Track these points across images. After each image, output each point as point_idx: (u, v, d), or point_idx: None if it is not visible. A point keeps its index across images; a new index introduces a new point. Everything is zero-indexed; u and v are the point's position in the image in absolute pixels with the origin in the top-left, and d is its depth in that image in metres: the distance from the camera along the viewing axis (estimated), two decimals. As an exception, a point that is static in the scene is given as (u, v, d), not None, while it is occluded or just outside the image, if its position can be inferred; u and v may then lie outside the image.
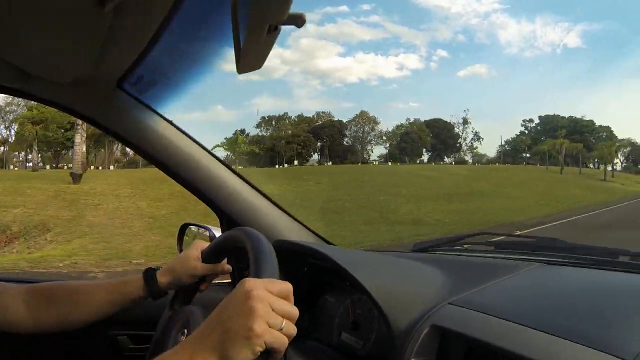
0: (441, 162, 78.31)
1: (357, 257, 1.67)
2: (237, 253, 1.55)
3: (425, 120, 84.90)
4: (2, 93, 1.90)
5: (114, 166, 59.30)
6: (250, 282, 0.98)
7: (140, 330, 2.12)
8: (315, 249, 1.68)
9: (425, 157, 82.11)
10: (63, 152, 61.73)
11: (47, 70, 1.72)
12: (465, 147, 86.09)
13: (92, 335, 2.09)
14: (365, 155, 78.37)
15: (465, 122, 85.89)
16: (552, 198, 34.57)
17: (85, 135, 31.45)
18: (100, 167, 55.80)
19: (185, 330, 1.34)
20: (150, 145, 1.95)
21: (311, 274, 1.70)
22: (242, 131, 72.76)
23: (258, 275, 1.08)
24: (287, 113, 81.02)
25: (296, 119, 79.72)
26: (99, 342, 2.15)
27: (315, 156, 76.99)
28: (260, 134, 78.55)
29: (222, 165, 2.04)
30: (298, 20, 0.75)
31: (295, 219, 2.09)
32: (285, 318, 0.96)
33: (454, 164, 77.42)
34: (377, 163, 73.75)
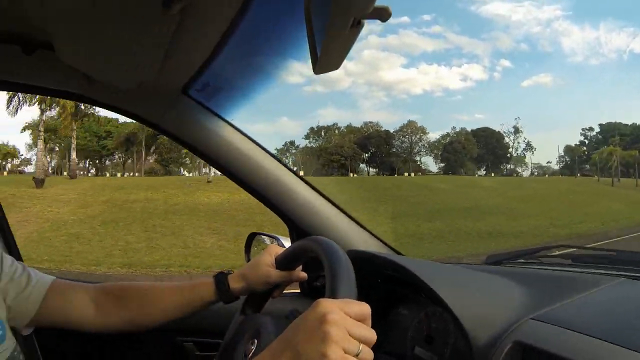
0: (493, 174, 76.31)
1: (433, 268, 1.63)
2: (311, 263, 1.54)
3: (472, 130, 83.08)
4: (66, 99, 1.95)
5: (139, 173, 61.21)
6: (326, 305, 0.93)
7: (206, 338, 2.13)
8: (390, 259, 1.64)
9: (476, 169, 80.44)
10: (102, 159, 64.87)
11: (112, 76, 1.74)
12: (516, 157, 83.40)
13: (160, 340, 2.14)
14: (420, 166, 77.67)
15: (516, 130, 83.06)
16: (571, 216, 29.72)
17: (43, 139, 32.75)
18: (128, 174, 58.13)
19: (255, 340, 1.31)
20: (217, 152, 1.94)
21: (384, 285, 1.67)
22: (292, 142, 73.30)
23: (334, 294, 1.04)
24: (336, 124, 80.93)
25: (345, 130, 79.59)
26: (165, 348, 2.17)
27: (363, 167, 77.06)
28: (309, 145, 79.09)
29: (292, 174, 2.02)
30: (383, 13, 0.71)
31: (366, 229, 2.05)
32: (361, 342, 0.91)
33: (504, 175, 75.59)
34: (432, 174, 72.65)
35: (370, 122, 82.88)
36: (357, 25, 0.74)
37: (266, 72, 1.86)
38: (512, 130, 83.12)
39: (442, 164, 78.41)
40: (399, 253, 2.02)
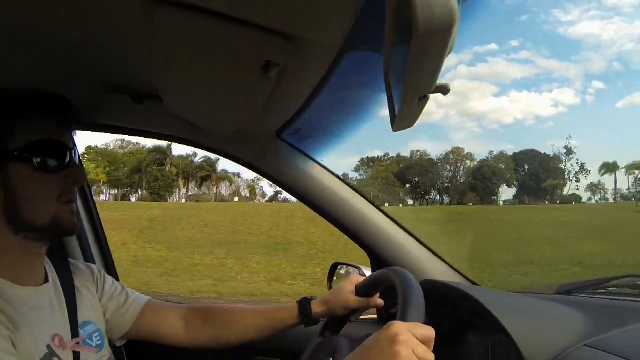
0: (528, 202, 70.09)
1: (500, 298, 1.68)
2: (387, 291, 1.68)
3: (514, 153, 78.22)
4: (171, 141, 2.15)
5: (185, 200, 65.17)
6: (398, 326, 1.06)
7: (283, 359, 2.29)
8: (459, 288, 1.73)
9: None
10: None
11: (213, 124, 1.94)
12: (556, 183, 75.63)
13: (240, 358, 2.29)
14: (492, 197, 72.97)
15: (569, 151, 76.56)
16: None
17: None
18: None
19: (331, 359, 1.45)
20: (307, 190, 2.10)
21: (455, 313, 1.74)
22: (345, 175, 72.54)
23: (405, 318, 1.17)
24: (388, 154, 78.76)
25: (394, 158, 77.58)
26: None
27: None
28: (359, 177, 77.67)
29: (374, 207, 2.14)
30: (444, 90, 0.84)
31: (442, 259, 2.14)
32: None
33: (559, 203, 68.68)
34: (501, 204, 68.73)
35: (418, 151, 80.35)
36: (424, 99, 0.87)
37: (354, 117, 1.99)
38: (564, 151, 76.93)
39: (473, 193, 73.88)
40: (473, 282, 2.10)
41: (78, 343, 1.41)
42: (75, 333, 1.43)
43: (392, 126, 1.05)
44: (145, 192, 68.15)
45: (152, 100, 1.86)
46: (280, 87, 1.44)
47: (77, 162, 1.41)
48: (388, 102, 1.01)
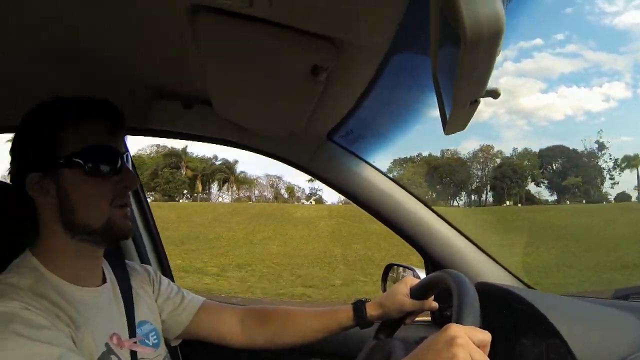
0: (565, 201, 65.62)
1: (555, 302, 1.64)
2: (441, 294, 1.67)
3: (540, 150, 73.80)
4: (222, 144, 2.17)
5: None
6: (455, 329, 1.06)
7: None
8: (514, 292, 1.69)
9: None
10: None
11: (264, 127, 1.96)
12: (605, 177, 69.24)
13: None
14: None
15: (601, 147, 70.00)
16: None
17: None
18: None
19: None
20: (360, 191, 2.10)
21: (509, 316, 1.72)
22: None
23: (461, 320, 1.16)
24: (420, 153, 76.13)
25: (425, 158, 75.40)
26: None
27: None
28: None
29: (428, 209, 2.13)
30: (494, 94, 0.83)
31: (496, 261, 2.12)
32: None
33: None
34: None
35: (448, 150, 77.63)
36: (475, 103, 0.86)
37: (404, 118, 1.99)
38: (596, 147, 70.32)
39: (491, 192, 70.57)
40: (527, 285, 2.06)
41: (135, 342, 1.45)
42: (132, 332, 1.47)
43: (443, 129, 1.04)
44: (157, 194, 69.25)
45: (201, 105, 1.90)
46: (329, 90, 1.44)
47: (129, 166, 1.43)
48: (438, 105, 1.00)
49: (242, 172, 76.54)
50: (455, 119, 0.95)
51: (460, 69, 0.72)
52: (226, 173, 71.78)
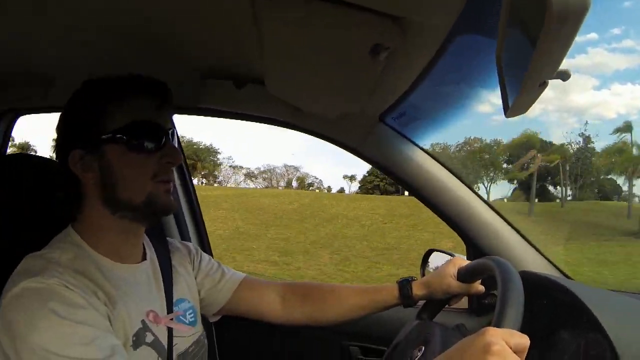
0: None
1: (600, 295, 1.61)
2: (486, 280, 1.68)
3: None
4: (273, 124, 2.19)
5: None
6: (492, 334, 1.03)
7: (371, 344, 2.33)
8: (558, 282, 1.68)
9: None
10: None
11: (317, 107, 1.97)
12: None
13: (327, 342, 2.38)
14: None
15: (587, 140, 58.76)
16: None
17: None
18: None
19: (423, 347, 1.45)
20: (409, 175, 2.10)
21: (549, 307, 1.71)
22: None
23: (500, 323, 1.13)
24: (446, 142, 72.83)
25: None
26: (332, 350, 2.40)
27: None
28: None
29: (475, 196, 2.13)
30: (564, 76, 0.82)
31: (539, 251, 2.11)
32: None
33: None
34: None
35: (472, 138, 72.73)
36: (543, 85, 0.86)
37: (458, 104, 1.99)
38: (580, 140, 60.15)
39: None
40: (568, 277, 2.05)
41: (172, 319, 1.48)
42: (170, 310, 1.50)
43: (504, 112, 1.04)
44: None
45: (253, 84, 1.93)
46: (387, 70, 1.44)
47: (175, 143, 1.45)
48: (500, 87, 1.00)
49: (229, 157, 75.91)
50: (520, 101, 0.95)
51: (540, 47, 0.72)
52: (193, 159, 71.23)
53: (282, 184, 77.01)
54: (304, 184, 77.64)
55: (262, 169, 77.64)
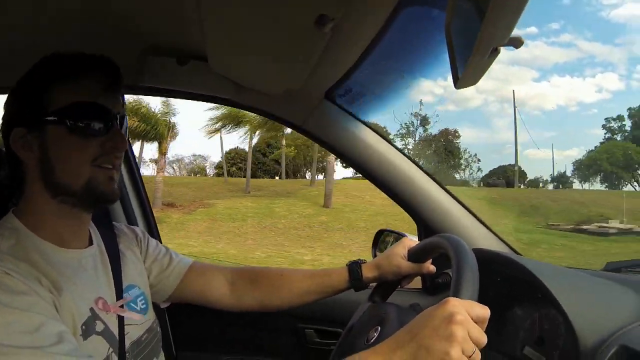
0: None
1: (551, 270, 1.63)
2: (436, 259, 1.68)
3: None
4: (215, 102, 2.15)
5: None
6: (454, 304, 1.03)
7: (326, 326, 2.34)
8: (512, 259, 1.70)
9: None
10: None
11: (260, 84, 1.93)
12: None
13: (282, 325, 2.38)
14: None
15: (423, 121, 54.11)
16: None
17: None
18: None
19: (379, 328, 1.43)
20: (355, 153, 2.09)
21: (503, 284, 1.72)
22: None
23: (459, 294, 1.14)
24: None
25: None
26: (287, 333, 2.40)
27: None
28: None
29: (423, 173, 2.12)
30: (517, 42, 0.81)
31: (488, 228, 2.12)
32: (476, 345, 1.00)
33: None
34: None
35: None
36: (495, 52, 0.84)
37: (403, 82, 1.97)
38: (416, 120, 54.60)
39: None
40: (517, 253, 2.06)
41: (122, 306, 1.43)
42: (119, 297, 1.45)
43: (454, 84, 1.02)
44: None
45: (196, 61, 1.87)
46: (332, 43, 1.41)
47: (122, 128, 1.40)
48: (449, 57, 0.98)
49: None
50: (471, 70, 0.93)
51: (490, 12, 0.71)
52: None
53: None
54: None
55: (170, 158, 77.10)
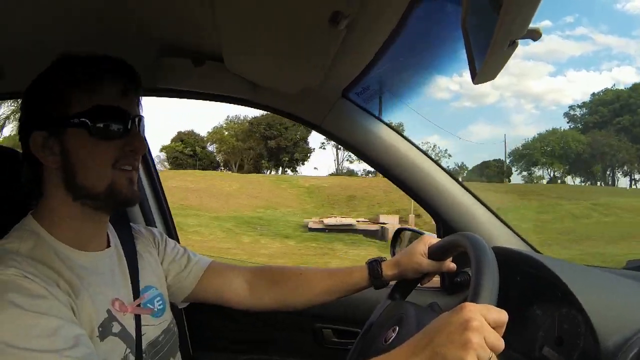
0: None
1: (572, 269, 1.60)
2: (457, 257, 1.64)
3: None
4: (231, 103, 2.14)
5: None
6: (470, 310, 1.01)
7: (344, 326, 2.32)
8: (532, 257, 1.68)
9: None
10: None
11: (277, 83, 1.92)
12: None
13: (300, 325, 2.37)
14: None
15: None
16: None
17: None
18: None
19: (397, 327, 1.41)
20: (374, 151, 2.07)
21: (523, 282, 1.70)
22: None
23: (477, 299, 1.11)
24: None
25: None
26: (305, 332, 2.38)
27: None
28: None
29: (443, 172, 2.10)
30: (535, 34, 0.79)
31: (509, 226, 2.10)
32: (492, 351, 0.97)
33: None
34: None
35: None
36: (513, 45, 0.82)
37: (420, 80, 1.95)
38: None
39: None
40: (538, 252, 2.02)
41: (139, 305, 1.43)
42: (136, 298, 1.45)
43: (472, 79, 1.01)
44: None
45: (212, 62, 1.86)
46: (348, 41, 1.40)
47: (141, 130, 1.39)
48: (467, 52, 0.96)
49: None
50: (488, 65, 0.91)
51: (507, 3, 0.70)
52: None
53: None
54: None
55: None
